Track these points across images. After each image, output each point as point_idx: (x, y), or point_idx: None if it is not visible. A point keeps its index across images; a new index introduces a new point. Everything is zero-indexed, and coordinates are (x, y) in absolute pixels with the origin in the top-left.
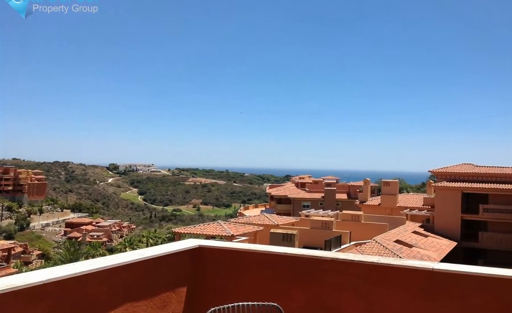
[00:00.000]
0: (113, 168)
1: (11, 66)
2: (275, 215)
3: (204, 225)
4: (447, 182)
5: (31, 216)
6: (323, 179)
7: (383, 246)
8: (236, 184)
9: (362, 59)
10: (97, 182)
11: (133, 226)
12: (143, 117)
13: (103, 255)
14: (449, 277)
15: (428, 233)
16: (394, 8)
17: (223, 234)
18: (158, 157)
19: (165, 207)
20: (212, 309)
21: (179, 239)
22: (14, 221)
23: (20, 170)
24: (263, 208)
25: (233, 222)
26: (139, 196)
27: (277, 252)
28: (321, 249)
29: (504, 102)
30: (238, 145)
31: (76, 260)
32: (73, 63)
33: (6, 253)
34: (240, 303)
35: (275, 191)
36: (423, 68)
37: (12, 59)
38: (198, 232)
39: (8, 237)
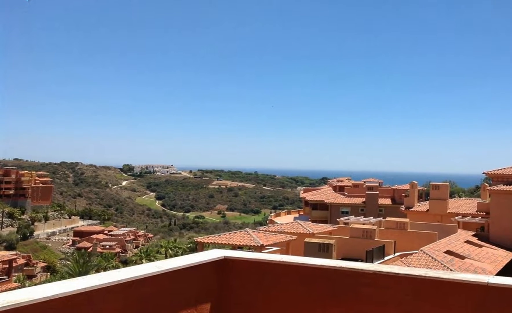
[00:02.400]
0: (128, 169)
1: (12, 55)
2: (310, 222)
3: (230, 233)
4: (504, 185)
5: (35, 223)
6: (364, 181)
7: (432, 258)
8: (266, 188)
9: (408, 47)
10: (110, 185)
11: (150, 235)
12: (161, 112)
13: (116, 267)
14: (506, 292)
15: (483, 243)
16: None
17: (252, 244)
18: (178, 157)
19: (186, 214)
20: None
21: (202, 250)
22: (16, 229)
23: (22, 172)
24: (297, 215)
25: (262, 230)
26: (157, 201)
27: (312, 264)
28: (361, 261)
29: None
30: (268, 143)
31: (86, 273)
32: (82, 51)
33: (7, 266)
34: None
35: (310, 196)
36: (478, 57)
37: (13, 47)
38: (223, 242)
39: (9, 247)
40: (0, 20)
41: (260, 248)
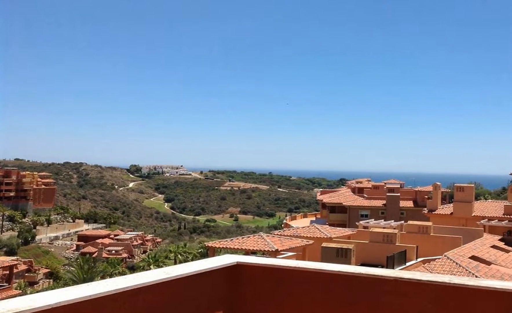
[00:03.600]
0: (135, 170)
1: (14, 49)
2: (327, 226)
3: (243, 238)
4: None
5: (37, 227)
6: (385, 183)
7: (456, 263)
8: (281, 189)
9: (431, 42)
10: (116, 187)
11: (159, 240)
12: (170, 110)
13: (122, 274)
14: None
15: (510, 248)
16: None
17: (266, 249)
18: (188, 157)
19: (197, 217)
20: None
21: (213, 255)
22: (17, 233)
23: (24, 173)
24: (313, 218)
25: (277, 234)
26: (166, 204)
27: (330, 270)
28: (382, 267)
29: None
30: (283, 143)
31: (91, 280)
32: (88, 45)
33: (8, 272)
34: None
35: (327, 198)
36: (503, 53)
37: (15, 41)
38: (235, 247)
39: (10, 252)
40: (1, 14)
41: (274, 253)
